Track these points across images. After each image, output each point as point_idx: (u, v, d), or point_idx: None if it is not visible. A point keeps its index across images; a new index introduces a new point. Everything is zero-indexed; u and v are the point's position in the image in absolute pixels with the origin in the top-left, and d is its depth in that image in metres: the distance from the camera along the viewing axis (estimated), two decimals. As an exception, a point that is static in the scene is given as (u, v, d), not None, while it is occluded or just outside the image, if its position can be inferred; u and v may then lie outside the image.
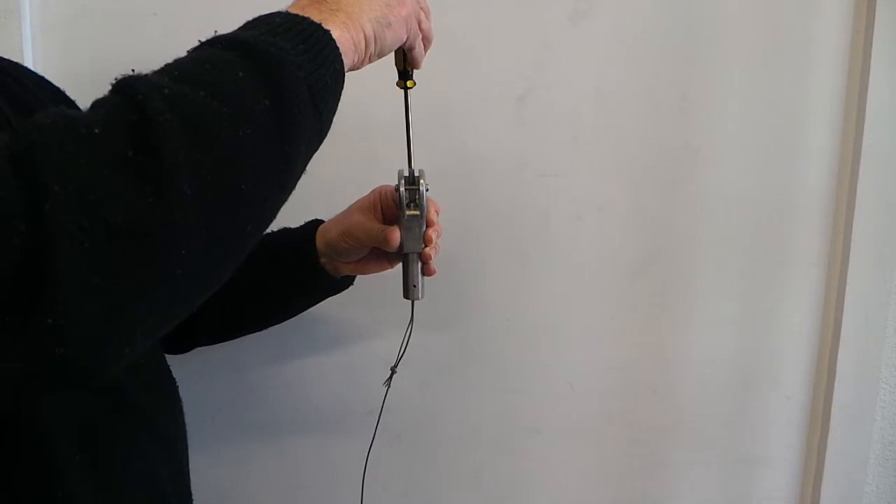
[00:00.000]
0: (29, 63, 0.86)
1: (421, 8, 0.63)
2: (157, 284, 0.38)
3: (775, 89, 0.94)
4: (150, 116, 0.38)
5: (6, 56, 0.66)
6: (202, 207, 0.39)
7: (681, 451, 1.03)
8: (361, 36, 0.54)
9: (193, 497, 0.72)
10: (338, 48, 0.50)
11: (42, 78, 0.69)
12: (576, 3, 0.91)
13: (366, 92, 0.92)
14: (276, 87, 0.44)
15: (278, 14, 0.49)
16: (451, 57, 0.92)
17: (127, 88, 0.40)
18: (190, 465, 0.71)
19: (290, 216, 0.81)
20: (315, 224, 0.80)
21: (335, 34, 0.50)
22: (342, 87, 0.51)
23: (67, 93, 0.70)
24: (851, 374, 0.98)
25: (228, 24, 0.93)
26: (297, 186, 0.77)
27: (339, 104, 0.93)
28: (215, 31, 0.47)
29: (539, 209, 0.96)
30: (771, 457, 1.03)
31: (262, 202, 0.44)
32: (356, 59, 0.54)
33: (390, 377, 0.80)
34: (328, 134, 0.81)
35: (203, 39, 0.47)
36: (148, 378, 0.65)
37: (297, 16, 0.49)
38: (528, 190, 0.95)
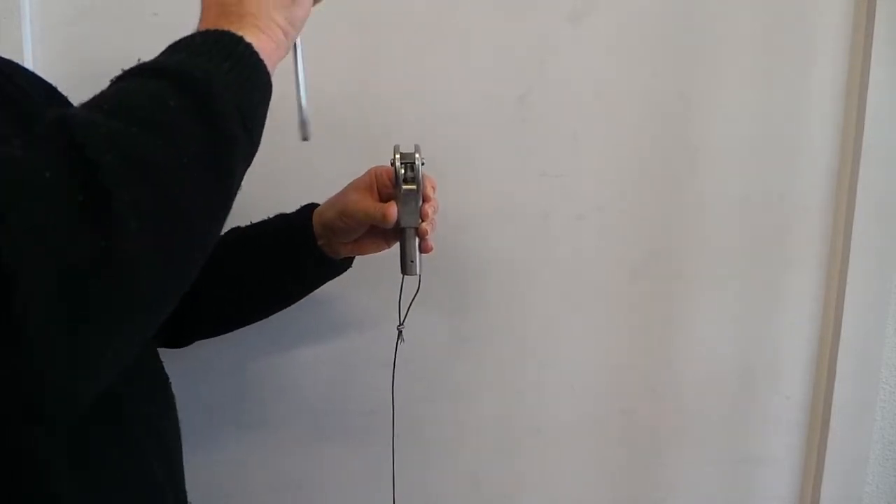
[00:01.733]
0: (29, 63, 0.86)
1: None
2: (113, 318, 0.40)
3: (775, 89, 0.94)
4: (93, 159, 0.39)
5: (6, 56, 0.66)
6: (150, 242, 0.40)
7: (681, 451, 1.03)
8: (277, 30, 0.54)
9: (189, 496, 0.72)
10: (261, 59, 0.50)
11: (35, 75, 0.69)
12: (575, 4, 0.91)
13: (363, 89, 0.92)
14: (207, 113, 0.45)
15: (198, 34, 0.50)
16: (451, 57, 0.92)
17: (65, 129, 0.40)
18: (186, 465, 0.71)
19: (286, 210, 0.82)
20: (311, 207, 0.80)
21: (255, 42, 0.50)
22: (270, 97, 0.52)
23: (65, 92, 0.70)
24: (851, 374, 0.98)
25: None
26: (294, 181, 0.77)
27: (337, 100, 0.94)
28: (139, 60, 0.48)
29: (539, 209, 0.96)
30: (771, 457, 1.03)
31: (206, 226, 0.46)
32: (281, 55, 0.54)
33: (399, 335, 0.82)
34: (326, 129, 0.81)
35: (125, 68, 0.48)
36: (140, 375, 0.65)
37: (216, 32, 0.50)
38: (529, 189, 0.95)
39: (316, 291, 0.84)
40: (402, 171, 0.73)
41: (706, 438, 1.02)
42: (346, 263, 0.82)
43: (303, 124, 0.64)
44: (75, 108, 0.43)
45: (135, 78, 0.46)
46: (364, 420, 0.97)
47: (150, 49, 0.88)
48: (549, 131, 0.94)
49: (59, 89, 0.70)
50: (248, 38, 0.50)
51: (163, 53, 0.49)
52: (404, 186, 0.73)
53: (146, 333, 0.43)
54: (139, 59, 0.49)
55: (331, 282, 0.83)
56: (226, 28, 0.50)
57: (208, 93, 0.45)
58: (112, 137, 0.40)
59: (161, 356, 0.71)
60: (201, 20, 0.53)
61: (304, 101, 0.63)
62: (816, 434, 1.02)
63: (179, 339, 0.82)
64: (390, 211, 0.72)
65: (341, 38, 0.90)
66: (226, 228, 0.82)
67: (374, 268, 0.83)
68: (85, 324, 0.38)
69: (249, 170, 0.97)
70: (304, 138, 0.63)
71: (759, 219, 0.97)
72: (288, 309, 0.85)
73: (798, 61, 0.94)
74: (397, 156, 0.73)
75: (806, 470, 1.04)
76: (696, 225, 0.97)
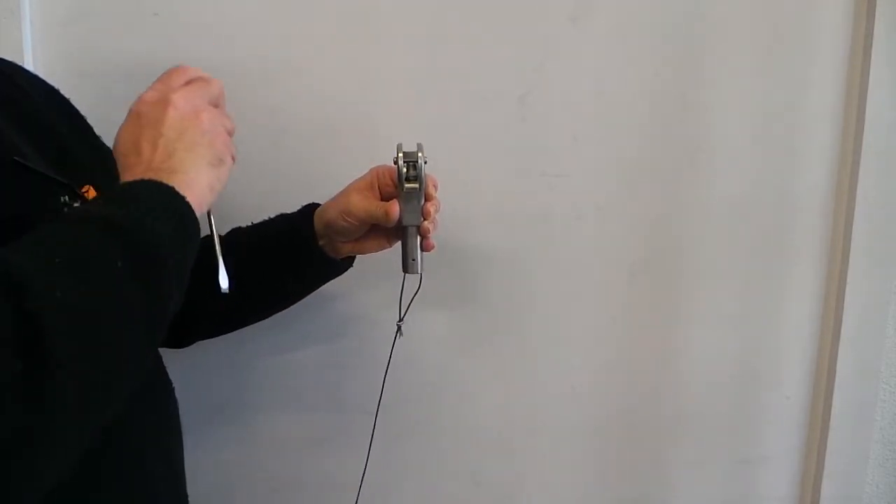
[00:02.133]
0: (29, 63, 0.86)
1: (223, 125, 0.61)
2: (42, 469, 0.41)
3: (775, 89, 0.94)
4: (41, 329, 0.39)
5: (6, 56, 0.66)
6: (84, 405, 0.42)
7: (681, 451, 1.03)
8: (206, 190, 0.55)
9: (189, 496, 0.72)
10: (196, 218, 0.52)
11: (36, 77, 0.69)
12: (576, 3, 0.92)
13: (363, 89, 0.92)
14: (151, 277, 0.47)
15: (142, 186, 0.51)
16: (451, 57, 0.92)
17: (17, 290, 0.40)
18: (186, 465, 0.71)
19: (287, 211, 0.82)
20: (312, 207, 0.80)
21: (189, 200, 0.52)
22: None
23: (66, 92, 0.70)
24: (851, 374, 0.98)
25: (228, 24, 0.93)
26: (295, 182, 0.77)
27: (337, 100, 0.94)
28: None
29: (539, 209, 0.96)
30: (771, 457, 1.03)
31: (136, 372, 0.48)
32: (202, 213, 0.55)
33: (398, 330, 0.82)
34: (326, 129, 0.81)
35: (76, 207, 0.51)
36: (143, 385, 0.65)
37: (160, 186, 0.51)
38: (529, 189, 0.95)
39: (317, 291, 0.84)
40: (405, 169, 0.73)
41: (706, 438, 1.02)
42: (347, 263, 0.82)
43: (223, 278, 0.66)
44: (23, 256, 0.43)
45: (85, 226, 0.47)
46: (364, 419, 0.97)
47: (150, 49, 0.88)
48: (549, 131, 0.94)
49: (60, 89, 0.70)
50: (190, 202, 0.52)
51: (110, 201, 0.50)
52: (406, 185, 0.73)
53: (69, 469, 0.44)
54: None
55: (331, 281, 0.84)
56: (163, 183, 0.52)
57: (155, 257, 0.47)
58: (62, 305, 0.41)
59: (162, 357, 0.71)
60: (125, 169, 0.55)
61: (220, 259, 0.66)
62: (816, 434, 1.02)
63: (180, 339, 0.82)
64: (393, 209, 0.73)
65: (341, 37, 0.90)
66: (227, 228, 0.83)
67: (376, 268, 0.83)
68: (14, 478, 0.39)
69: (251, 171, 0.98)
70: (225, 290, 0.65)
71: (759, 218, 0.97)
72: (289, 308, 0.85)
73: (798, 61, 0.94)
74: (400, 154, 0.74)
75: (806, 470, 1.04)
76: (696, 225, 0.97)
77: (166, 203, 0.51)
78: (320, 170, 0.90)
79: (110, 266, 0.45)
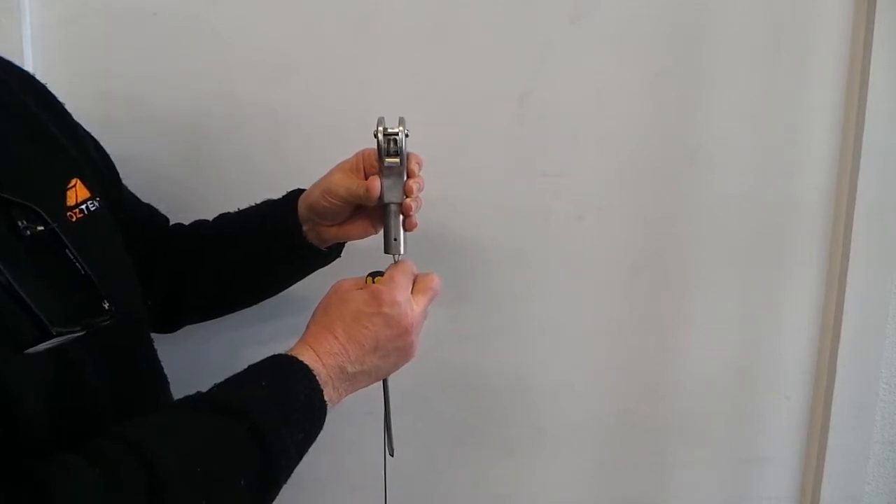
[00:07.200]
0: (28, 63, 0.86)
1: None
2: None
3: (775, 89, 0.94)
4: None
5: (6, 55, 0.66)
6: None
7: (681, 451, 1.03)
8: (366, 385, 0.65)
9: None
10: (325, 415, 0.60)
11: (28, 77, 0.68)
12: (576, 3, 0.91)
13: (363, 89, 0.92)
14: (265, 498, 0.56)
15: (300, 389, 0.59)
16: (451, 57, 0.92)
17: (150, 468, 0.48)
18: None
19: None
20: (297, 192, 0.79)
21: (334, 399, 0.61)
22: None
23: (65, 92, 0.70)
24: (851, 374, 0.98)
25: (227, 24, 0.93)
26: (294, 182, 0.76)
27: (337, 100, 0.93)
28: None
29: (539, 209, 0.96)
30: (771, 457, 1.03)
31: None
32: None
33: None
34: (325, 129, 0.80)
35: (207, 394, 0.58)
36: (138, 379, 0.65)
37: (320, 402, 0.59)
38: (529, 190, 0.95)
39: (315, 290, 0.83)
40: (386, 144, 0.69)
41: (706, 438, 1.02)
42: (333, 252, 0.81)
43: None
44: (172, 457, 0.50)
45: (223, 418, 0.54)
46: (364, 420, 0.97)
47: (150, 49, 0.88)
48: (549, 131, 0.94)
49: (60, 89, 0.70)
50: (336, 401, 0.61)
51: (273, 403, 0.57)
52: (387, 160, 0.70)
53: None
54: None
55: (328, 279, 0.83)
56: (334, 392, 0.61)
57: (278, 484, 0.57)
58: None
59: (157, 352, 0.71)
60: (314, 334, 0.62)
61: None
62: (816, 434, 1.02)
63: (171, 324, 0.82)
64: (373, 185, 0.69)
65: (341, 37, 0.90)
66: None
67: (374, 263, 0.83)
68: None
69: (251, 171, 0.97)
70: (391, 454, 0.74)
71: (758, 219, 0.97)
72: (286, 308, 0.85)
73: (798, 61, 0.94)
74: (380, 128, 0.70)
75: (806, 470, 1.04)
76: (696, 225, 0.97)
77: (318, 422, 0.59)
78: (320, 170, 0.90)
79: (235, 482, 0.53)
